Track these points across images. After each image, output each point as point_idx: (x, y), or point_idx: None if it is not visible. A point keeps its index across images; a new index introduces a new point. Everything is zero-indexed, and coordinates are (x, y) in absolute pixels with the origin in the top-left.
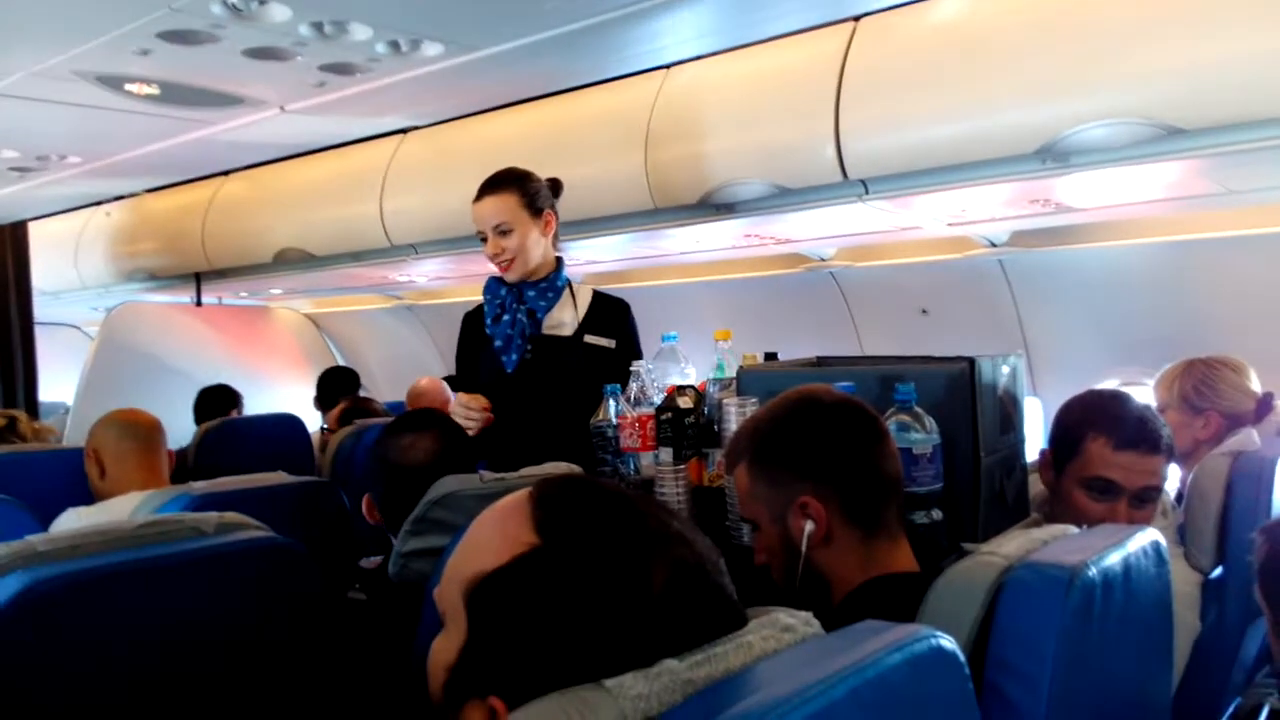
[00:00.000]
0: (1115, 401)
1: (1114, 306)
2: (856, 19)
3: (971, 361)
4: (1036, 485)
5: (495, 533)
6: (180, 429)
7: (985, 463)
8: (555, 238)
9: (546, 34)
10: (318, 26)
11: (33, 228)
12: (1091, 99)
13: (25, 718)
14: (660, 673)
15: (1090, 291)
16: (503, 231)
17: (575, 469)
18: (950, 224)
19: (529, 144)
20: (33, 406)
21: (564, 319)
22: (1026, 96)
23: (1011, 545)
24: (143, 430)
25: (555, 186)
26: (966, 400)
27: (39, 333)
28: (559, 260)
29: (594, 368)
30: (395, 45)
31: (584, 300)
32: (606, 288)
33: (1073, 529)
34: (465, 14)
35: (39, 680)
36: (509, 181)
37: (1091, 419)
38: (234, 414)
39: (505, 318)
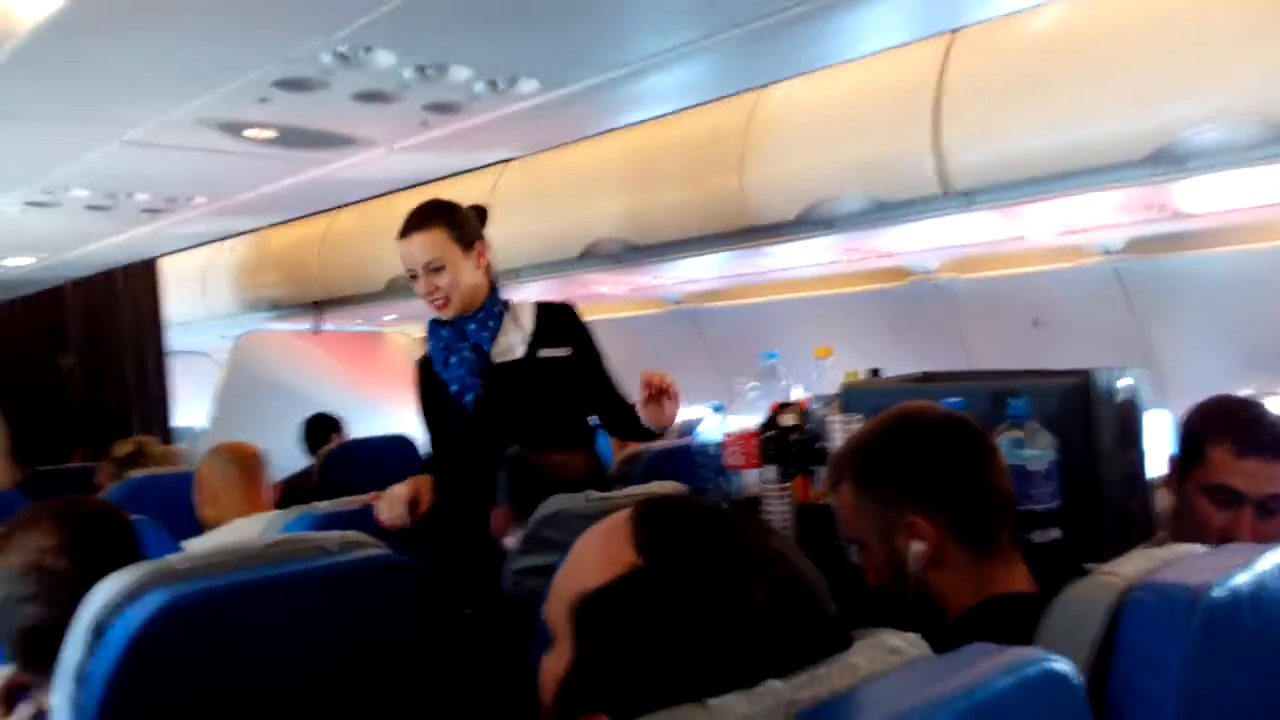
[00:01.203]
0: (1241, 406)
1: (1243, 313)
2: (954, 30)
3: (1087, 375)
4: (1164, 503)
5: (597, 552)
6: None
7: (1105, 479)
8: (488, 268)
9: (638, 65)
10: (420, 69)
11: (164, 263)
12: (1204, 101)
13: None
14: (764, 693)
15: (1217, 298)
16: (435, 269)
17: (680, 487)
18: (1061, 232)
19: (625, 168)
20: (167, 431)
21: (512, 342)
22: (1135, 101)
23: (1132, 565)
24: (246, 461)
25: (481, 214)
26: (1083, 415)
27: (172, 361)
28: (492, 285)
29: (554, 380)
30: (493, 84)
31: (528, 316)
32: (707, 306)
33: (1198, 548)
34: (557, 51)
35: (178, 693)
36: (436, 215)
37: (1214, 424)
38: (334, 438)
39: (453, 359)
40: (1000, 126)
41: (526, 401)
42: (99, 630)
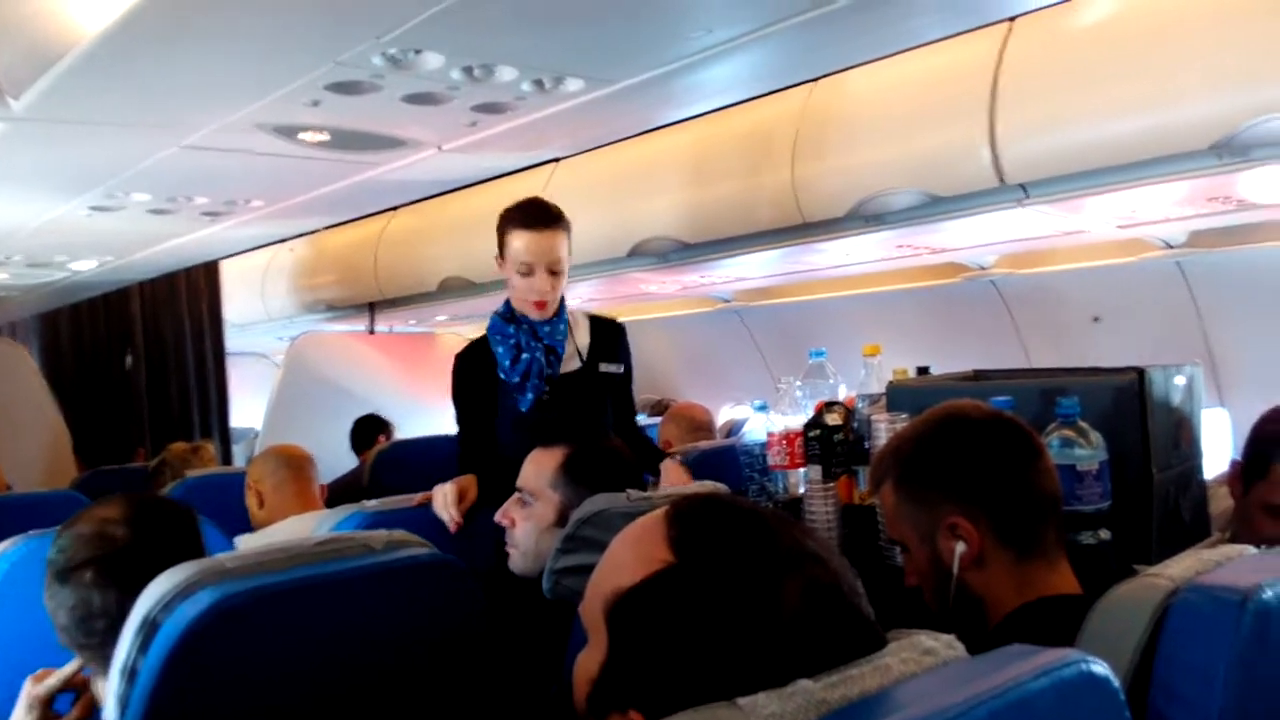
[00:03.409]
0: None
1: None
2: (1012, 19)
3: (1141, 372)
4: (1222, 503)
5: (632, 550)
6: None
7: (1158, 480)
8: None
9: (683, 62)
10: (468, 70)
11: (224, 265)
12: (1269, 88)
13: None
14: (794, 693)
15: None
16: (554, 271)
17: (720, 487)
18: (1120, 226)
19: (676, 163)
20: (225, 431)
21: (571, 351)
22: (1198, 89)
23: (1180, 566)
24: (297, 462)
25: None
26: (1136, 414)
27: (230, 362)
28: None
29: (606, 393)
30: (539, 83)
31: (583, 327)
32: (756, 304)
33: (1250, 549)
34: (602, 49)
35: (227, 691)
36: (561, 217)
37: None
38: (382, 439)
39: (524, 357)
40: (1058, 117)
41: (580, 410)
42: (151, 627)
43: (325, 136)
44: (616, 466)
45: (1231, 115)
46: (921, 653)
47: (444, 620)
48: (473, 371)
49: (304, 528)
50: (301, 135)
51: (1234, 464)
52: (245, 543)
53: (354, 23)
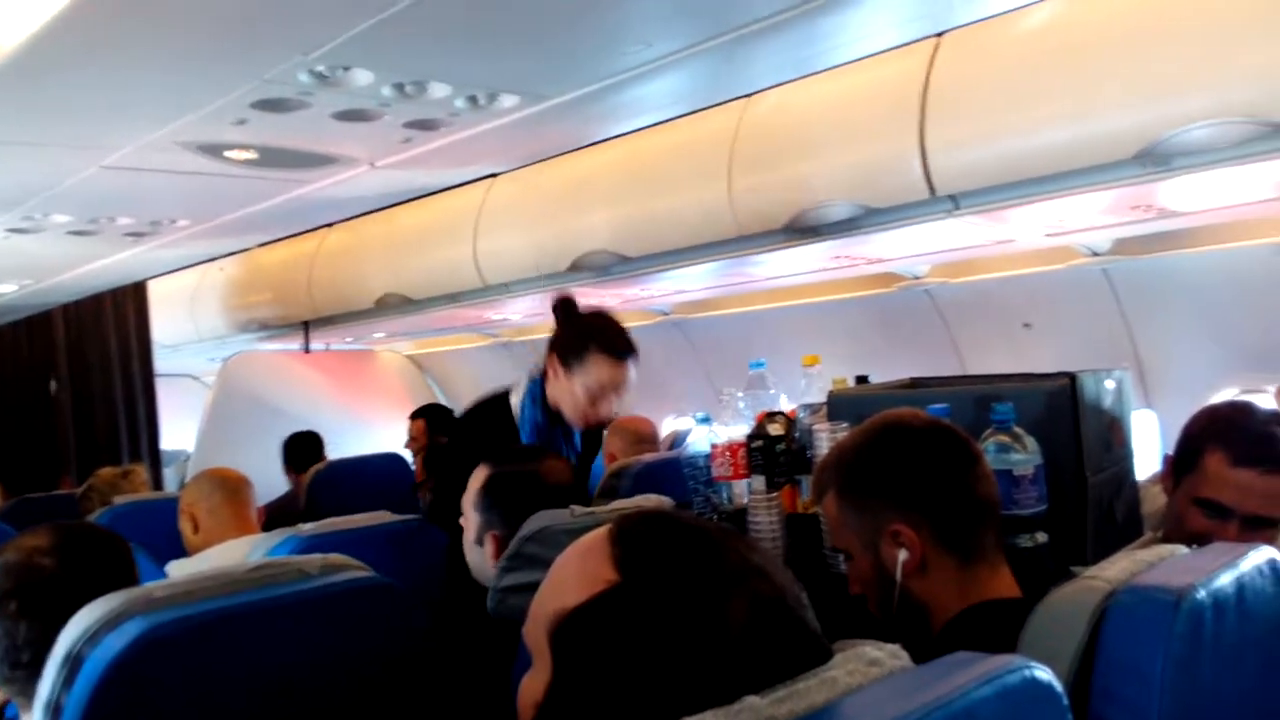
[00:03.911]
0: (1242, 414)
1: (1229, 311)
2: (940, 34)
3: (1073, 377)
4: (1154, 502)
5: (576, 570)
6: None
7: (1091, 482)
8: None
9: (619, 78)
10: (399, 87)
11: (152, 285)
12: (1191, 99)
13: None
14: (741, 710)
15: (1202, 297)
16: (619, 396)
17: (666, 501)
18: (1048, 234)
19: (614, 178)
20: (155, 455)
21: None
22: (1122, 101)
23: (1116, 568)
24: (232, 485)
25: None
26: (1069, 418)
27: (160, 384)
28: None
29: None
30: (473, 99)
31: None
32: (696, 316)
33: (1182, 549)
34: (537, 65)
35: None
36: (636, 351)
37: (1212, 431)
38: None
39: (552, 440)
40: (986, 129)
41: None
42: (75, 661)
43: (253, 155)
44: (534, 491)
45: (1153, 126)
46: (867, 664)
47: (384, 645)
48: (504, 423)
49: (237, 554)
50: (228, 153)
51: (1166, 460)
52: (177, 570)
53: (280, 40)
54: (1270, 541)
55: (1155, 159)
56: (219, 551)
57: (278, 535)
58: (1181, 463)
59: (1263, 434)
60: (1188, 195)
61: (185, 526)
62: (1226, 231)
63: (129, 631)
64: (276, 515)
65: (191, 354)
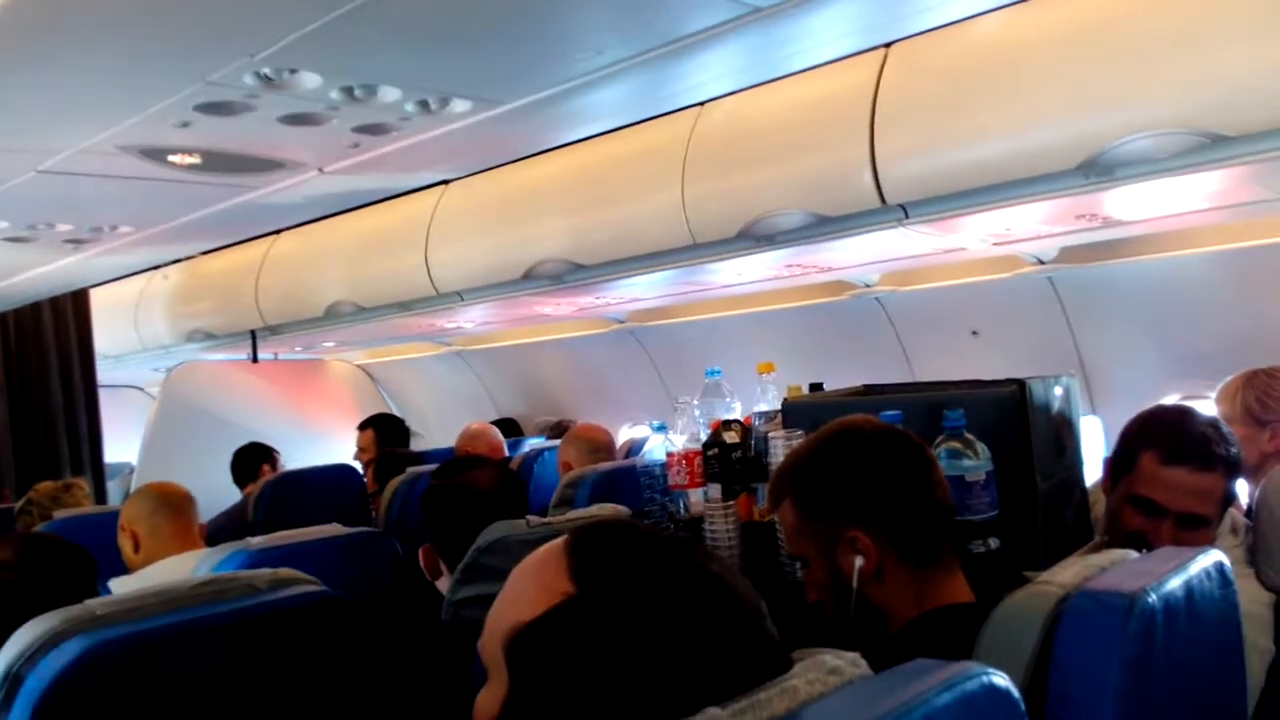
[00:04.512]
0: (1176, 415)
1: (1171, 319)
2: (888, 45)
3: (1022, 384)
4: (1102, 506)
5: (532, 582)
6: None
7: (1042, 487)
8: None
9: (572, 84)
10: (348, 91)
11: (94, 294)
12: (1133, 111)
13: None
14: None
15: (1145, 305)
16: None
17: (622, 511)
18: (995, 244)
19: (568, 186)
20: (98, 468)
21: None
22: (1066, 112)
23: (1068, 573)
24: (175, 501)
25: None
26: (1019, 424)
27: (103, 395)
28: None
29: None
30: (424, 104)
31: None
32: (651, 325)
33: (1132, 553)
34: (488, 70)
35: None
36: None
37: (1147, 432)
38: (266, 469)
39: None
40: (935, 140)
41: None
42: (14, 681)
43: (197, 159)
44: (458, 503)
45: (1097, 136)
46: (827, 672)
47: (336, 661)
48: None
49: (183, 569)
50: (171, 158)
51: (1106, 462)
52: (120, 587)
53: (224, 41)
54: (1204, 540)
55: (1098, 169)
56: (163, 567)
57: (225, 549)
58: (1119, 464)
59: (1195, 434)
60: (1131, 205)
61: (125, 545)
62: (1168, 240)
63: (70, 650)
64: (223, 530)
65: (135, 364)
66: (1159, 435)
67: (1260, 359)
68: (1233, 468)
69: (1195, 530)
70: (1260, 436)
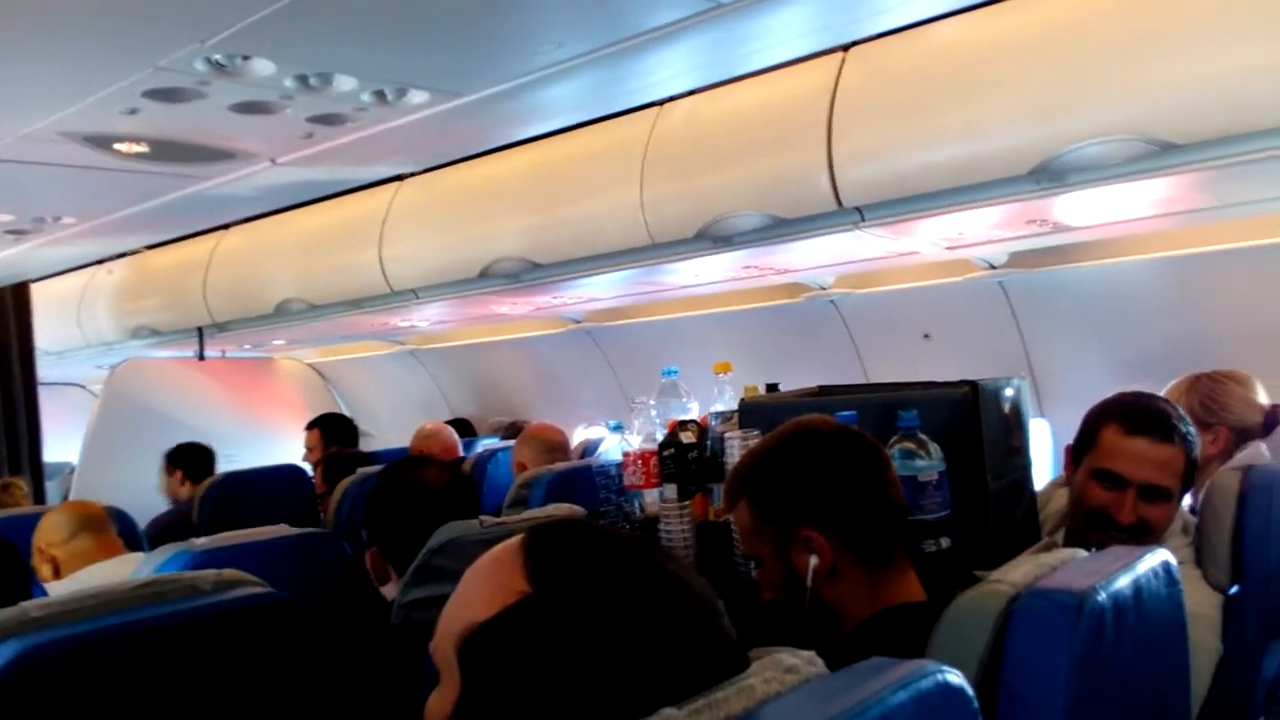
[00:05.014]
0: (1136, 394)
1: (1117, 323)
2: (845, 49)
3: (974, 385)
4: (1051, 505)
5: (487, 582)
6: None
7: (993, 487)
8: None
9: (531, 77)
10: (302, 79)
11: (35, 288)
12: (1084, 118)
13: None
14: None
15: (1093, 309)
16: None
17: (578, 510)
18: (948, 247)
19: (525, 184)
20: (37, 467)
21: None
22: (1019, 118)
23: (1019, 572)
24: (96, 519)
25: None
26: (971, 425)
27: (43, 393)
28: None
29: None
30: (381, 94)
31: None
32: (607, 325)
33: (1082, 552)
34: (447, 61)
35: None
36: None
37: (1108, 409)
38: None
39: None
40: (891, 143)
41: None
42: None
43: (144, 148)
44: (407, 502)
45: (1048, 143)
46: (784, 671)
47: (283, 664)
48: None
49: (122, 570)
50: (118, 146)
51: (1067, 450)
52: (57, 589)
53: (175, 25)
54: (1166, 515)
55: (1050, 175)
56: (103, 569)
57: (168, 550)
58: (1081, 443)
59: (1155, 408)
60: (1080, 211)
61: (43, 569)
62: (1116, 246)
63: (3, 654)
64: (166, 530)
65: (78, 361)
66: (1120, 411)
67: (1204, 363)
68: (1190, 447)
69: (1155, 504)
70: (1204, 439)
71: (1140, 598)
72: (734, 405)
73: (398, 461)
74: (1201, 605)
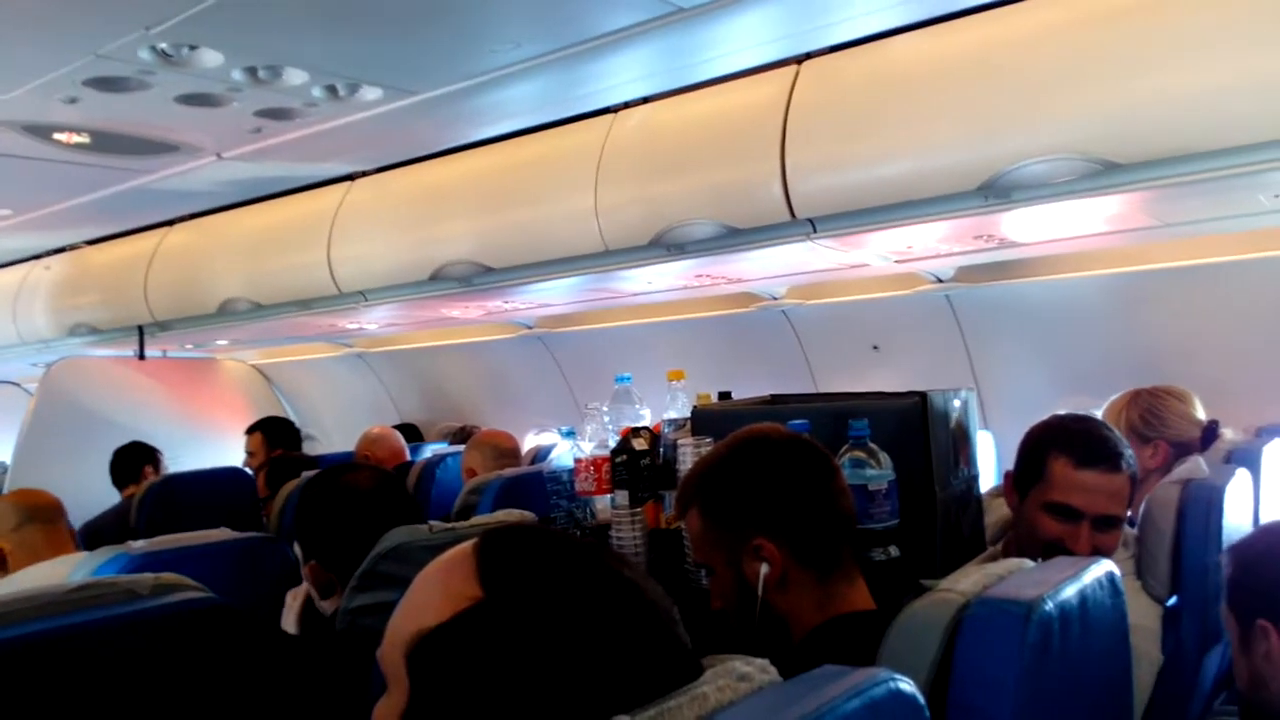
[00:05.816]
0: (1078, 421)
1: (1060, 338)
2: (799, 61)
3: (923, 396)
4: (991, 515)
5: (437, 587)
6: None
7: (940, 497)
8: None
9: (488, 77)
10: (251, 71)
11: None
12: (1031, 136)
13: None
14: None
15: (1036, 324)
16: None
17: (529, 516)
18: (898, 261)
19: (479, 188)
20: None
21: None
22: (968, 135)
23: (968, 581)
24: (45, 509)
25: None
26: (920, 435)
27: None
28: None
29: None
30: (332, 90)
31: None
32: (559, 331)
33: (1028, 563)
34: (403, 57)
35: None
36: None
37: (1054, 439)
38: (149, 472)
39: None
40: (843, 157)
41: None
42: None
43: (85, 138)
44: (340, 505)
45: (996, 160)
46: (737, 679)
47: (223, 671)
48: None
49: (57, 573)
50: (57, 136)
51: (1007, 475)
52: None
53: (118, 11)
54: (1118, 540)
55: (996, 191)
56: (37, 572)
57: (104, 553)
58: (1025, 473)
59: (1100, 436)
60: (1026, 227)
61: None
62: (1060, 263)
63: None
64: (102, 533)
65: (12, 359)
66: (1068, 441)
67: (1145, 378)
68: (1133, 469)
69: (1108, 532)
70: (1144, 453)
71: (1086, 607)
72: (687, 412)
73: (323, 470)
74: (1142, 616)
